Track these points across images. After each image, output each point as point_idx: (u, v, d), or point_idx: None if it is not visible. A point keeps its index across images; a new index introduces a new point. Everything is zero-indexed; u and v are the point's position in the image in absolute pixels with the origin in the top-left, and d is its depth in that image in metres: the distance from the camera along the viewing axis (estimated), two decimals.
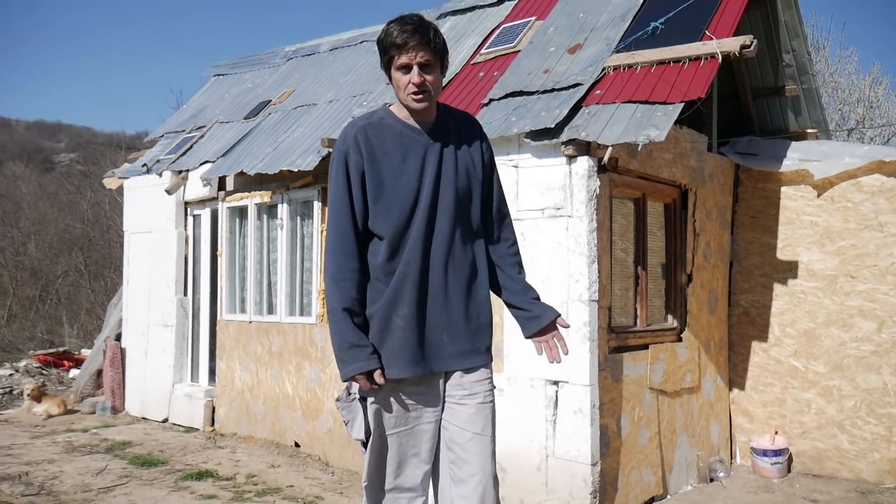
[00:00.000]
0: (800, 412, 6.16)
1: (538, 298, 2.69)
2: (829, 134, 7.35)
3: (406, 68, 2.46)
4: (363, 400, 2.50)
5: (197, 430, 7.56)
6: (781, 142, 6.52)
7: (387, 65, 2.52)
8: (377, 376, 2.42)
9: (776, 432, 6.16)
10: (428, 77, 2.47)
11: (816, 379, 6.10)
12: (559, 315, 2.67)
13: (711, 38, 5.18)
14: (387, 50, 2.48)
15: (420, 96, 2.48)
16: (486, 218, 2.67)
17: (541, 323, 2.64)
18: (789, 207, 6.33)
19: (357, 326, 2.47)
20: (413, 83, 2.45)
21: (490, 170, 2.69)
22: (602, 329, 4.95)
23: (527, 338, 2.68)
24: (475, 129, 2.69)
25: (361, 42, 8.43)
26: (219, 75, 10.24)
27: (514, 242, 2.74)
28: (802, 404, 6.15)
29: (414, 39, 2.42)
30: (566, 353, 2.67)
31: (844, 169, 6.02)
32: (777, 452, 6.00)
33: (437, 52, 2.48)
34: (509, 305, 2.71)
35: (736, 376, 6.51)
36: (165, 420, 7.97)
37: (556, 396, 4.91)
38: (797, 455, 6.16)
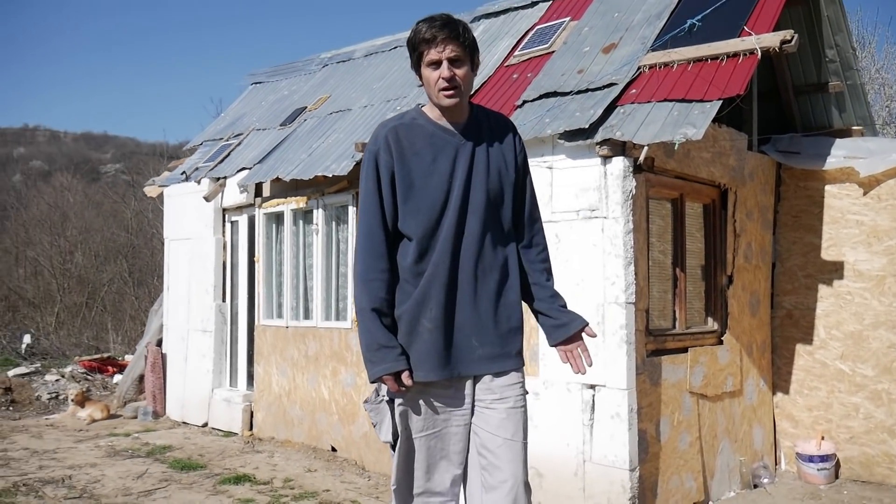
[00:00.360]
0: (847, 416, 5.97)
1: (565, 306, 2.64)
2: (875, 131, 7.13)
3: (436, 64, 2.44)
4: (391, 402, 2.47)
5: (235, 434, 7.62)
6: (825, 139, 6.35)
7: (416, 63, 2.50)
8: (405, 378, 2.39)
9: (822, 437, 5.98)
10: (458, 72, 2.44)
11: (864, 382, 5.91)
12: (587, 324, 2.61)
13: (750, 34, 5.06)
14: (416, 46, 2.46)
15: (451, 91, 2.45)
16: (518, 221, 2.63)
17: (567, 332, 2.59)
18: (834, 206, 6.16)
19: (386, 327, 2.44)
20: (443, 77, 2.43)
21: (523, 172, 2.64)
22: (639, 332, 4.86)
23: (551, 346, 2.64)
24: (509, 130, 2.64)
25: (395, 48, 8.45)
26: (256, 83, 10.37)
27: (545, 248, 2.69)
28: (850, 408, 5.96)
29: (443, 33, 2.41)
30: (590, 365, 2.61)
31: (892, 166, 5.83)
32: (823, 458, 5.82)
33: (466, 46, 2.45)
34: (536, 312, 2.67)
35: (779, 380, 6.34)
36: (205, 424, 8.05)
37: (593, 400, 4.83)
38: (845, 461, 5.97)
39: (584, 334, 2.61)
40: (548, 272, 2.67)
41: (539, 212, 2.71)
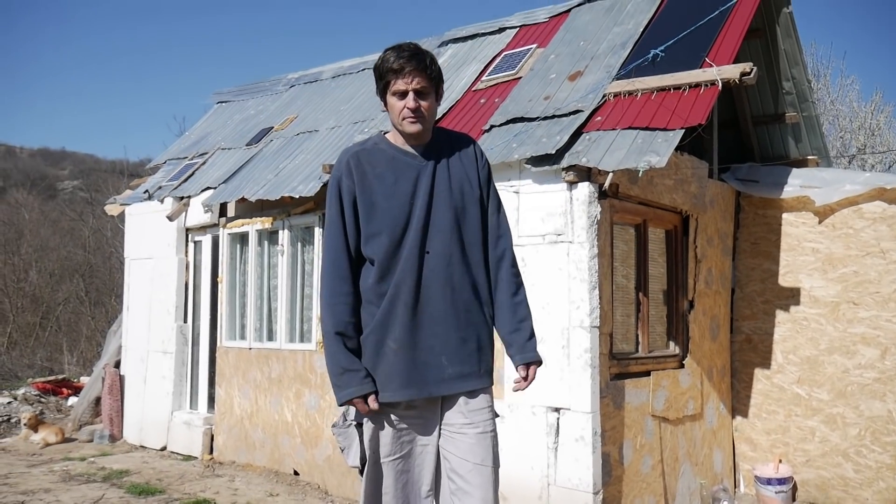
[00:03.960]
0: (804, 440, 6.09)
1: (529, 334, 2.65)
2: (829, 161, 7.36)
3: (402, 94, 2.48)
4: (359, 426, 2.47)
5: (195, 458, 7.48)
6: (782, 168, 6.53)
7: (382, 90, 2.53)
8: (371, 401, 2.40)
9: (780, 460, 6.08)
10: (423, 103, 2.49)
11: (820, 406, 6.04)
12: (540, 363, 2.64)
13: (711, 66, 5.20)
14: (383, 75, 2.49)
15: (414, 118, 2.49)
16: (485, 235, 2.62)
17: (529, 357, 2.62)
18: (791, 234, 6.32)
19: (350, 350, 2.45)
20: (408, 108, 2.47)
21: (487, 187, 2.64)
22: (603, 356, 4.91)
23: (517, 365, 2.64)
24: (471, 148, 2.66)
25: (363, 69, 8.48)
26: (221, 102, 10.31)
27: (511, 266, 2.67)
28: (806, 432, 6.09)
29: (410, 65, 2.44)
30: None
31: (845, 196, 6.02)
32: (781, 481, 5.92)
33: (432, 78, 2.50)
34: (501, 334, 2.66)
35: (739, 404, 6.45)
36: (164, 448, 7.89)
37: (558, 424, 4.86)
38: (801, 483, 6.08)
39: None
40: (516, 285, 2.65)
41: (506, 229, 2.68)
